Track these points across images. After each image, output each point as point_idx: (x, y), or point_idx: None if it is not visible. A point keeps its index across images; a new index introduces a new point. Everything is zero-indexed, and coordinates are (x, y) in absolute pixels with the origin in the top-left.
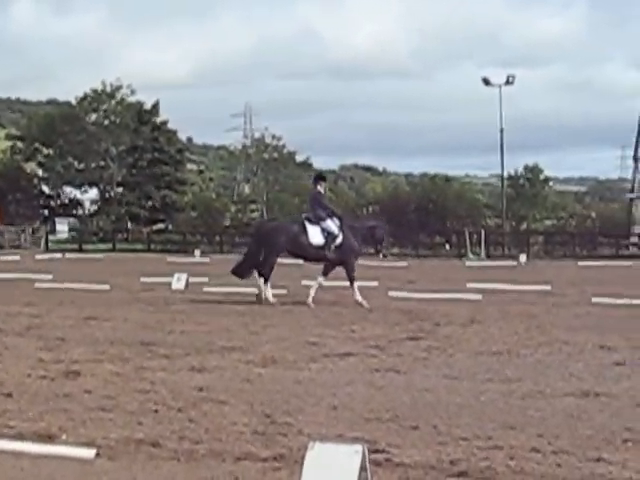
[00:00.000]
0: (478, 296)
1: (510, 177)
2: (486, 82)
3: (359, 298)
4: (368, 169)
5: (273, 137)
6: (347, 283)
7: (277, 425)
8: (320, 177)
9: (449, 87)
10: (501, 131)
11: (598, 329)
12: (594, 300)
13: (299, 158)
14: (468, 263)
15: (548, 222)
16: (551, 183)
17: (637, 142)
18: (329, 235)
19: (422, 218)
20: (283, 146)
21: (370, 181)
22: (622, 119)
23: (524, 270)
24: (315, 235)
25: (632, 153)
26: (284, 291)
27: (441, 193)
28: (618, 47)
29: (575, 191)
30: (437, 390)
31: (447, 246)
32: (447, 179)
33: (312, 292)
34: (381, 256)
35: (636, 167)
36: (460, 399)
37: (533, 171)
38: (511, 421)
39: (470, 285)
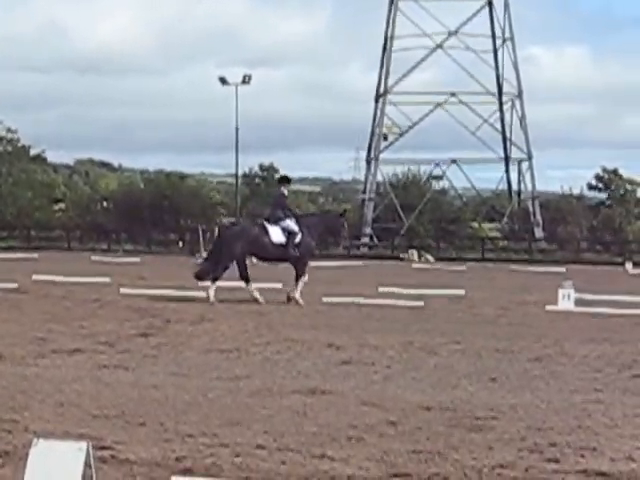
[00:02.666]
0: None
1: (245, 176)
2: (223, 81)
3: (298, 296)
4: (103, 164)
5: (8, 130)
6: (75, 279)
7: (2, 422)
8: (285, 179)
9: (188, 85)
10: (236, 130)
11: (327, 328)
12: (324, 299)
13: (33, 152)
14: (200, 261)
15: None
16: None
17: (370, 144)
18: (290, 234)
19: (156, 215)
20: (17, 139)
21: (105, 176)
22: (358, 121)
23: (256, 268)
24: (276, 234)
25: (365, 155)
26: (15, 285)
27: (176, 190)
28: (358, 50)
29: (309, 191)
30: (165, 387)
31: (180, 244)
32: (182, 176)
33: (297, 294)
34: (341, 247)
35: (368, 169)
36: (188, 396)
37: (268, 170)
38: (238, 418)
39: (202, 283)
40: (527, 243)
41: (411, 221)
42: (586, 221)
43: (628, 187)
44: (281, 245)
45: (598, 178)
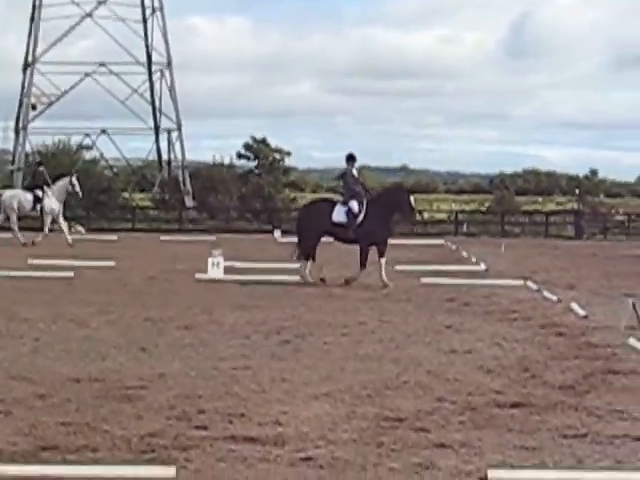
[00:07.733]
0: None
1: None
2: None
3: (384, 276)
4: None
5: None
6: None
7: None
8: (350, 157)
9: None
10: None
11: None
12: None
13: None
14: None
15: None
16: None
17: (18, 114)
18: (351, 214)
19: None
20: None
21: None
22: (7, 90)
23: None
24: (338, 214)
25: (14, 125)
26: None
27: None
28: (14, 19)
29: None
30: None
31: None
32: None
33: (383, 274)
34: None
35: (17, 139)
36: None
37: None
38: None
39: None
40: (178, 212)
41: None
42: (236, 190)
43: (276, 156)
44: (341, 225)
45: (247, 147)
